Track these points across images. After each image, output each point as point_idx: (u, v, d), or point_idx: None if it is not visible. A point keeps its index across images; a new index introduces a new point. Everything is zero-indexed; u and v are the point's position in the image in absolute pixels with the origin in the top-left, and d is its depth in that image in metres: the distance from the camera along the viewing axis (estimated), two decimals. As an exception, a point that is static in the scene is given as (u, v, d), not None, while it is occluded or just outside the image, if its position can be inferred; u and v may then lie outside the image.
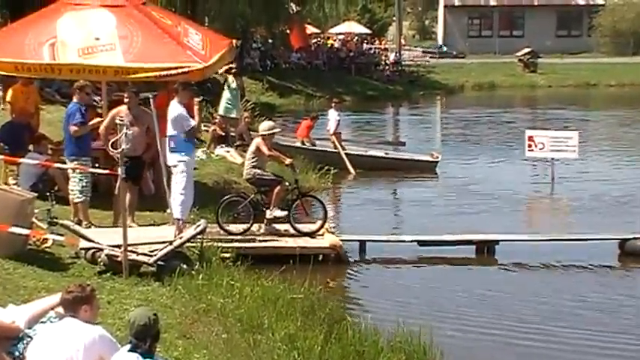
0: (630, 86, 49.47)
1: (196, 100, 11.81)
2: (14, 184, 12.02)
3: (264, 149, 12.77)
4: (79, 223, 11.04)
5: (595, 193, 18.51)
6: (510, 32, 66.57)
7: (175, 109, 11.32)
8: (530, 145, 20.09)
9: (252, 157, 12.86)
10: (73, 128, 11.30)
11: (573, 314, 10.94)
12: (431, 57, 57.61)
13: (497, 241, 13.52)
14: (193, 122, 11.41)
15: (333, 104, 21.98)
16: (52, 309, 6.14)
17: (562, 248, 13.61)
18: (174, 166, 11.33)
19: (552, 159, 19.94)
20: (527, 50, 54.11)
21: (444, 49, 63.22)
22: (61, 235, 10.13)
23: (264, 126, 13.27)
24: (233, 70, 19.43)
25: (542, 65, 53.49)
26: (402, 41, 61.91)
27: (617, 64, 54.73)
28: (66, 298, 5.68)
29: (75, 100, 11.61)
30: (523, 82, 51.05)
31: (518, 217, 17.17)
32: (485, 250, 13.45)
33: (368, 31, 60.03)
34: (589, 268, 13.02)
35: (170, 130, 11.32)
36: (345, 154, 20.80)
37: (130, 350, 5.41)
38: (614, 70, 52.89)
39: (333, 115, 21.38)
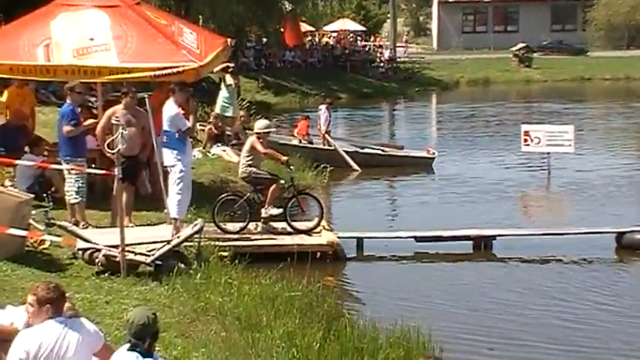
0: (625, 80, 49.53)
1: (192, 102, 11.80)
2: (11, 186, 12.01)
3: (260, 147, 12.76)
4: (76, 224, 11.03)
5: (591, 187, 18.56)
6: (505, 27, 66.59)
7: (172, 108, 11.32)
8: (525, 140, 20.14)
9: (248, 156, 12.86)
10: (66, 129, 11.27)
11: (571, 309, 10.96)
12: (550, 51, 54.89)
13: (494, 236, 13.54)
14: (188, 124, 11.42)
15: (325, 104, 21.82)
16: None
17: (559, 242, 13.63)
18: (172, 166, 11.33)
19: (548, 153, 19.97)
20: (521, 45, 54.13)
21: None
22: (59, 236, 10.13)
23: (259, 124, 13.26)
24: (230, 69, 19.41)
25: (537, 60, 53.50)
26: (405, 38, 61.93)
27: (612, 58, 54.80)
28: (49, 297, 5.51)
29: (68, 101, 11.58)
30: (518, 77, 51.06)
31: (515, 211, 17.21)
32: (483, 246, 13.47)
33: (362, 28, 60.01)
34: (587, 261, 13.04)
35: (165, 126, 11.32)
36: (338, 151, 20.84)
37: (129, 349, 5.42)
38: (608, 63, 52.96)
39: (324, 114, 21.33)
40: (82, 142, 11.62)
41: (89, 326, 5.65)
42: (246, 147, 13.05)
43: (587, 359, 9.56)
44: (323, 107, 21.53)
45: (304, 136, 21.38)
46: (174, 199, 11.27)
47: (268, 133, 13.21)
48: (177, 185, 11.27)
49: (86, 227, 11.09)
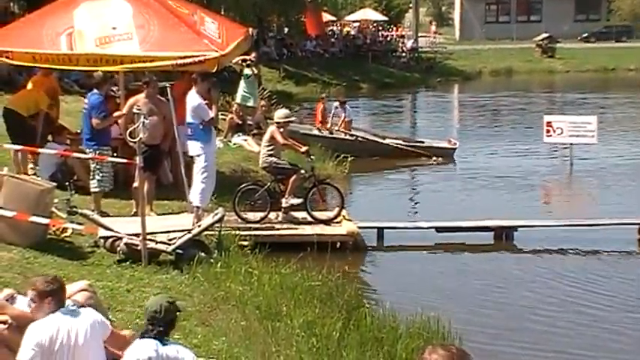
0: (649, 70, 49.06)
1: (214, 92, 11.81)
2: (33, 175, 12.11)
3: (279, 138, 12.76)
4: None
5: (614, 178, 18.43)
6: (528, 17, 66.16)
7: (194, 99, 11.34)
8: (548, 131, 20.02)
9: (268, 146, 12.87)
10: (95, 122, 11.35)
11: (592, 301, 10.89)
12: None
13: (515, 227, 13.48)
14: (212, 114, 11.45)
15: (338, 101, 21.92)
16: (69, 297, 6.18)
17: (581, 234, 13.55)
18: (197, 156, 11.36)
19: (571, 144, 19.85)
20: (544, 35, 53.75)
21: None
22: (81, 224, 10.19)
23: (279, 114, 13.27)
24: (247, 62, 19.48)
25: (560, 50, 53.10)
26: (433, 28, 61.74)
27: (636, 48, 54.25)
28: (50, 289, 5.53)
29: (97, 90, 11.62)
30: (541, 68, 50.70)
31: (537, 202, 17.12)
32: (504, 236, 13.42)
33: (384, 18, 59.84)
34: (608, 253, 12.96)
35: (188, 118, 11.36)
36: (360, 140, 20.84)
37: (140, 336, 5.47)
38: (632, 54, 52.41)
39: (342, 112, 21.43)
40: (107, 131, 11.72)
41: (96, 316, 5.64)
42: (267, 137, 13.06)
43: (608, 353, 9.50)
44: (337, 104, 21.63)
45: (323, 125, 21.41)
46: (197, 187, 11.31)
47: (288, 122, 13.21)
48: (202, 174, 11.31)
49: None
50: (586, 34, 59.71)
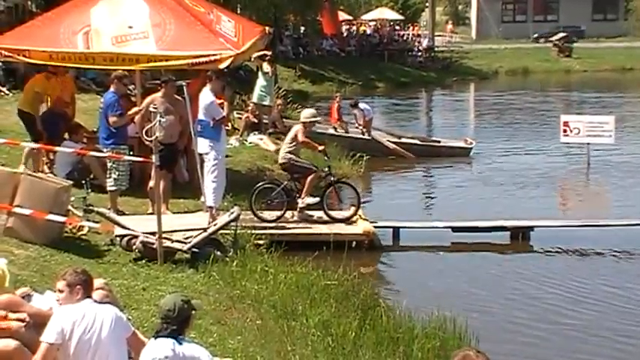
0: (667, 70, 48.70)
1: (227, 91, 11.80)
2: (50, 173, 12.14)
3: (300, 136, 12.74)
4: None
5: (632, 178, 18.31)
6: (545, 17, 65.87)
7: (207, 97, 11.35)
8: (565, 131, 19.93)
9: (290, 143, 12.82)
10: (112, 120, 11.37)
11: (610, 302, 10.82)
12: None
13: (532, 227, 13.42)
14: (223, 112, 11.43)
15: (352, 105, 22.07)
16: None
17: (599, 234, 13.47)
18: (206, 154, 11.37)
19: (588, 144, 19.75)
20: (562, 35, 53.48)
21: None
22: (97, 222, 10.22)
23: (306, 113, 13.24)
24: (267, 57, 19.44)
25: (577, 50, 52.84)
26: (450, 27, 61.62)
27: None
28: (79, 279, 5.64)
29: (112, 89, 11.66)
30: (558, 67, 50.46)
31: (554, 202, 17.05)
32: (520, 236, 13.36)
33: (400, 17, 59.75)
34: (626, 254, 12.87)
35: (200, 115, 11.37)
36: (378, 140, 20.84)
37: (153, 336, 5.48)
38: (650, 53, 52.13)
39: (359, 113, 21.53)
40: (124, 129, 11.74)
41: (119, 313, 5.72)
42: (291, 134, 13.00)
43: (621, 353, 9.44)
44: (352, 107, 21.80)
45: (337, 121, 21.40)
46: (209, 187, 11.31)
47: (314, 122, 13.20)
48: (212, 174, 11.31)
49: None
50: (536, 35, 59.61)
